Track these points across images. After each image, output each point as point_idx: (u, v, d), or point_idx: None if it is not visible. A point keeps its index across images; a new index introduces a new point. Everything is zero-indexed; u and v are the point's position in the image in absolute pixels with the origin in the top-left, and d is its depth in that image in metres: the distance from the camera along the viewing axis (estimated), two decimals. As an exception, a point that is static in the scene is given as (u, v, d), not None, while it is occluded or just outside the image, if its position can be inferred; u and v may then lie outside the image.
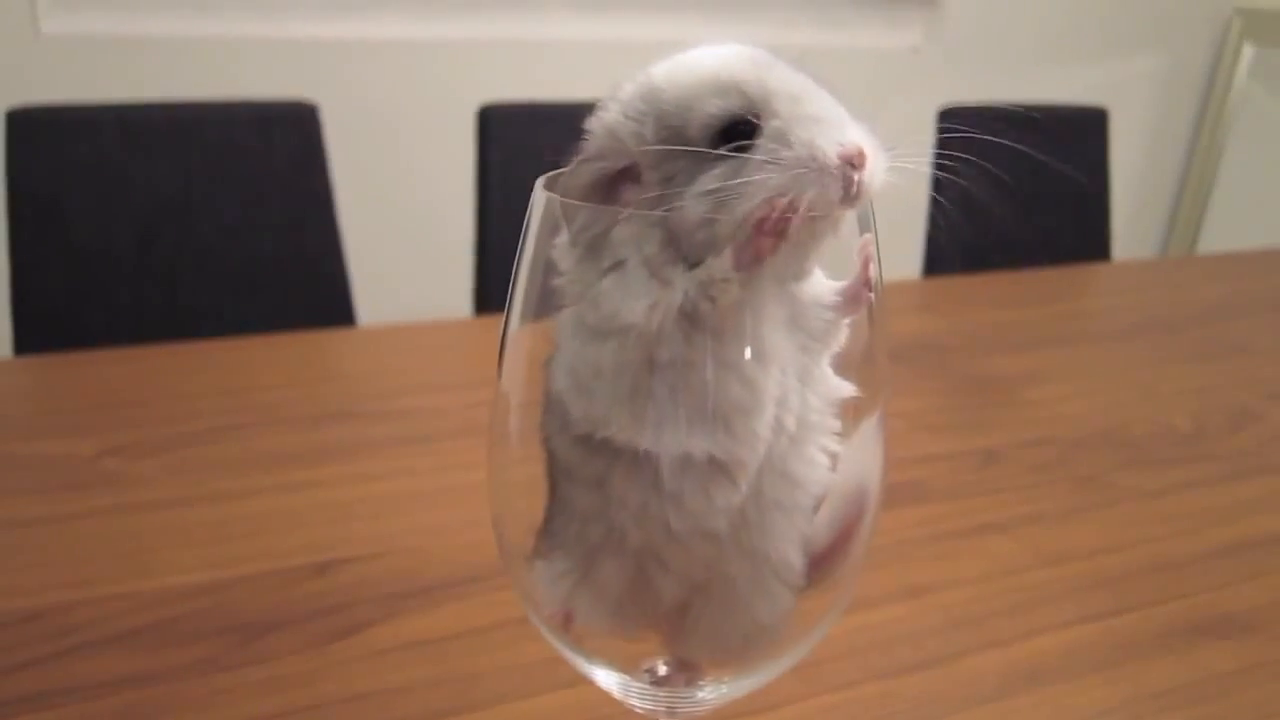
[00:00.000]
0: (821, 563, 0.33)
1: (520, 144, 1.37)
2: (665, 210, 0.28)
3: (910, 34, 2.45)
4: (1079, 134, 1.70)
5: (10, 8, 1.74)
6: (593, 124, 0.29)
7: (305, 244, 1.28)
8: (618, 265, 0.28)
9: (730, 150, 0.28)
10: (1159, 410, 0.90)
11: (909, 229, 1.69)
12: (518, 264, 0.32)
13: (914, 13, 2.44)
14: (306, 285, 1.28)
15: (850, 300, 0.32)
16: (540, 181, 0.31)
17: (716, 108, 0.28)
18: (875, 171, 0.29)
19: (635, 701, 0.34)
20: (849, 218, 0.30)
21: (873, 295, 0.32)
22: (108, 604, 0.57)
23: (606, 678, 0.34)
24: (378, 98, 1.94)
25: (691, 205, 0.28)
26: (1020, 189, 1.63)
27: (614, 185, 0.29)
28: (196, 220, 1.23)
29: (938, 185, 1.56)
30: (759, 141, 0.28)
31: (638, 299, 0.28)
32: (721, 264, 0.28)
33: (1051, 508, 0.73)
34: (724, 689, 0.35)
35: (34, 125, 1.16)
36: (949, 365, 1.00)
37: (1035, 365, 1.01)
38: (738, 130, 0.28)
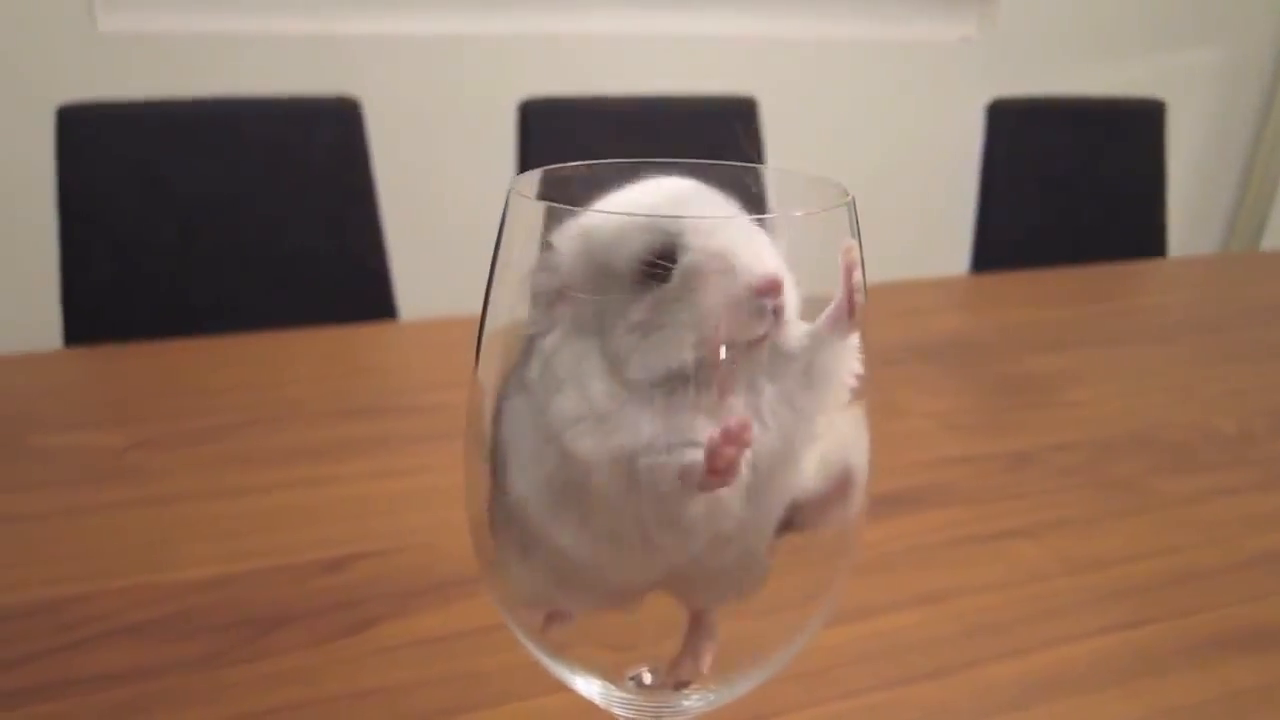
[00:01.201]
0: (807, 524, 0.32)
1: (561, 139, 1.37)
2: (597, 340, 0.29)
3: (962, 24, 2.41)
4: (1135, 127, 1.66)
5: (69, 6, 1.78)
6: (555, 238, 0.30)
7: (347, 239, 1.29)
8: (561, 385, 0.30)
9: (655, 284, 0.29)
10: (1199, 413, 0.88)
11: (957, 225, 1.67)
12: (492, 266, 0.31)
13: (966, 2, 2.40)
14: (348, 280, 1.29)
15: (837, 320, 0.31)
16: (512, 182, 0.31)
17: (637, 243, 0.29)
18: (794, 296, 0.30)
19: (619, 710, 0.34)
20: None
21: (861, 297, 0.31)
22: (122, 596, 0.58)
23: (588, 686, 0.33)
24: (420, 93, 1.95)
25: (621, 338, 0.29)
26: (1072, 184, 1.59)
27: (553, 303, 0.30)
28: (240, 215, 1.24)
29: (987, 181, 1.54)
30: (675, 277, 0.29)
31: (582, 435, 0.29)
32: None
33: (1080, 513, 0.71)
34: (711, 697, 0.34)
35: (83, 121, 1.18)
36: (984, 365, 0.99)
37: (1074, 365, 0.98)
38: (658, 266, 0.29)
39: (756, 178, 0.35)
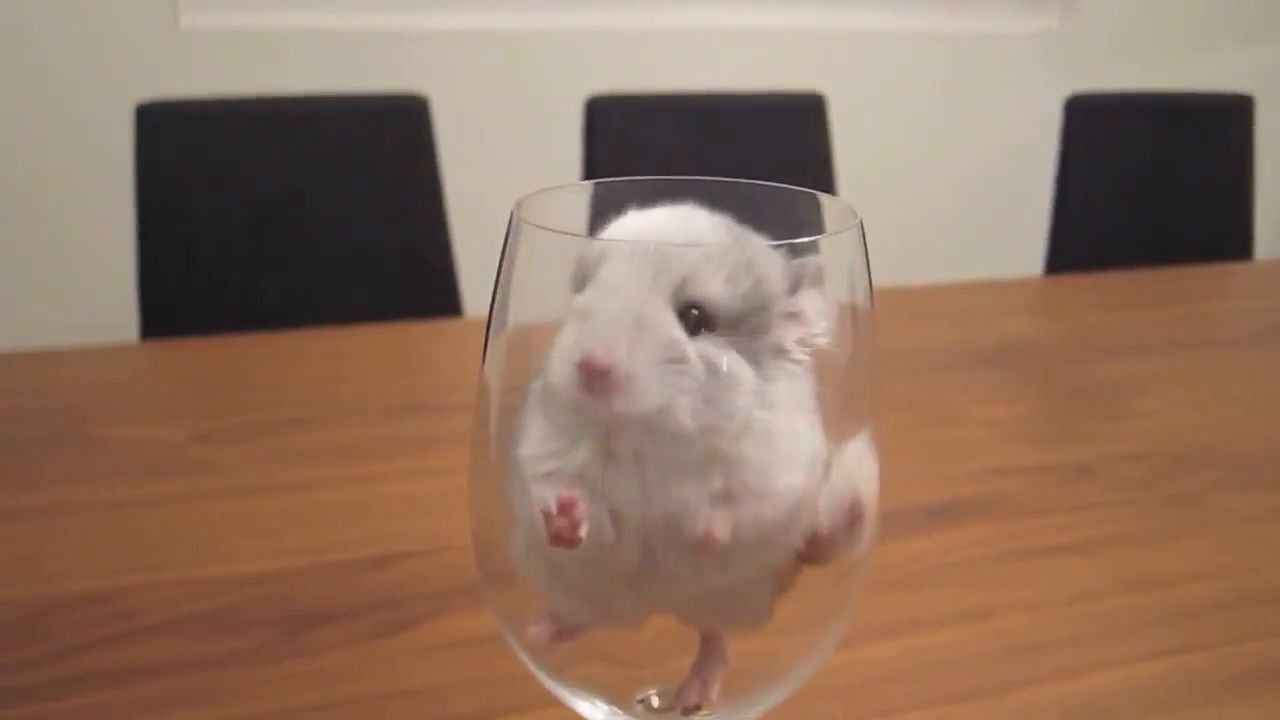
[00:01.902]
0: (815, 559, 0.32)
1: (626, 136, 1.37)
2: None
3: (1043, 16, 2.35)
4: (1222, 123, 1.60)
5: (152, 3, 1.83)
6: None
7: (414, 236, 1.31)
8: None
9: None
10: (1274, 427, 0.84)
11: (1032, 225, 1.63)
12: (499, 269, 0.31)
13: (1049, -7, 2.34)
14: (414, 277, 1.31)
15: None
16: (516, 204, 0.31)
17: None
18: (627, 377, 0.27)
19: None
20: None
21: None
22: (171, 589, 0.59)
23: (593, 710, 0.33)
24: (488, 90, 1.96)
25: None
26: (1153, 183, 1.54)
27: None
28: (309, 212, 1.27)
29: (1063, 179, 1.50)
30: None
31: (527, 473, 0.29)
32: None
33: (1140, 529, 0.69)
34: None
35: (160, 118, 1.21)
36: (1050, 371, 0.96)
37: (1145, 373, 0.95)
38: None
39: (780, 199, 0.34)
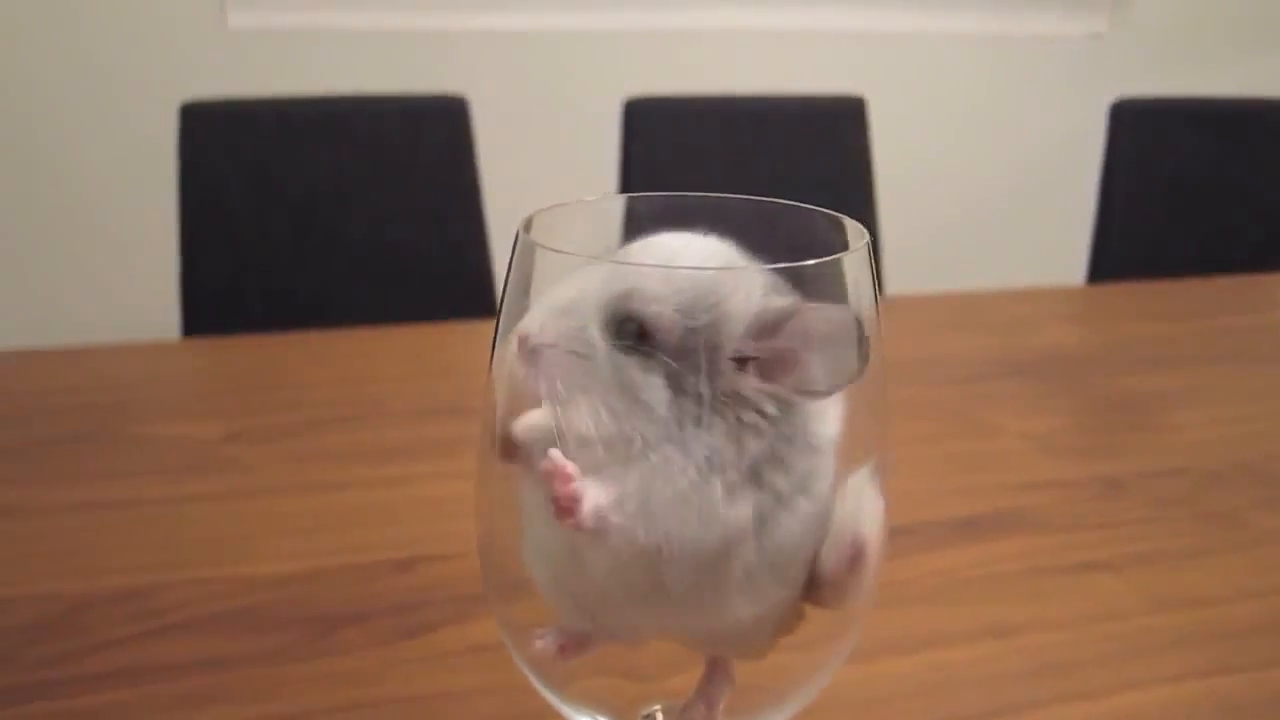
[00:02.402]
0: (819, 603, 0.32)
1: (664, 138, 1.37)
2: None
3: (1093, 19, 2.31)
4: (1271, 130, 1.56)
5: (201, 3, 1.86)
6: None
7: (452, 236, 1.32)
8: None
9: None
10: (1318, 443, 0.82)
11: (1074, 232, 1.61)
12: (505, 279, 0.31)
13: (1099, -4, 2.30)
14: (452, 278, 1.32)
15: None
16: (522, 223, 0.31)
17: None
18: (534, 351, 0.29)
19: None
20: None
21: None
22: (200, 587, 0.60)
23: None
24: (526, 91, 1.97)
25: None
26: (1202, 190, 1.52)
27: None
28: (348, 212, 1.28)
29: (1108, 186, 1.48)
30: None
31: None
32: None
33: (1173, 546, 0.67)
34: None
35: (204, 118, 1.23)
36: (1087, 382, 0.95)
37: (1186, 385, 0.94)
38: None
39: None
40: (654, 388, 0.28)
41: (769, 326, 0.28)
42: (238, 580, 0.61)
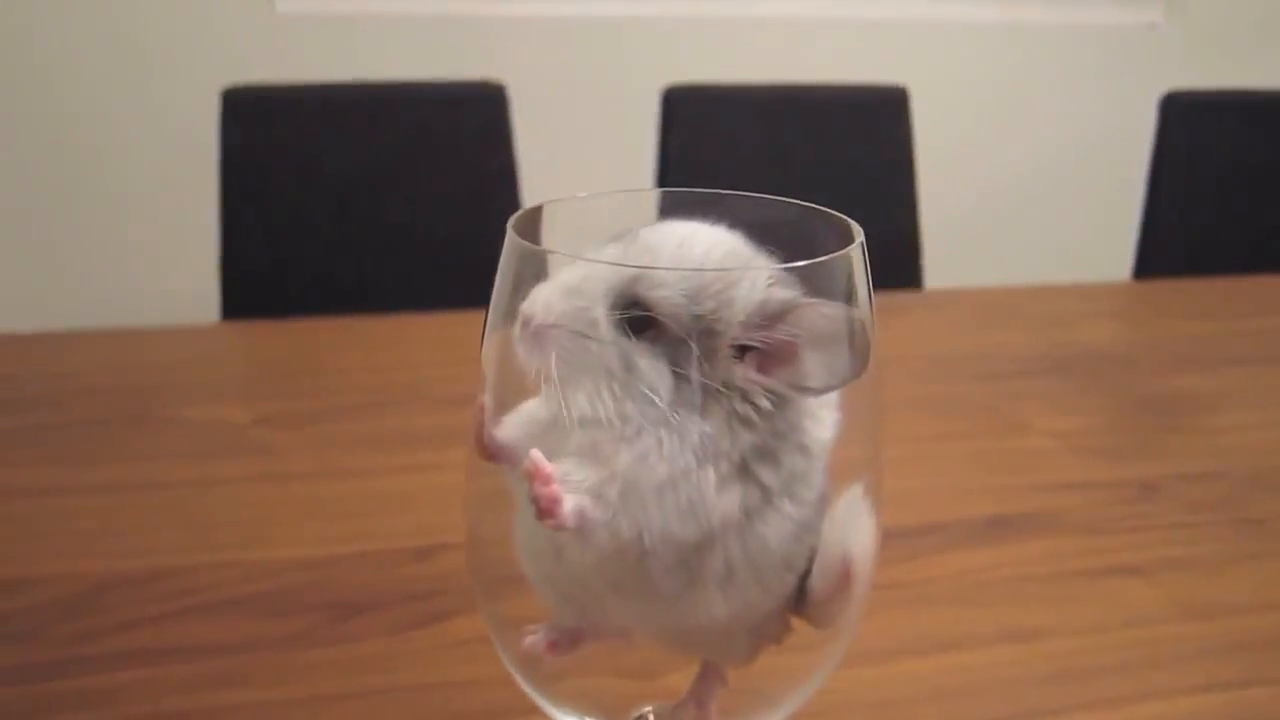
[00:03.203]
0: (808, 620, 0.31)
1: (703, 127, 1.36)
2: None
3: (1149, 9, 2.26)
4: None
5: (249, -12, 1.87)
6: None
7: (489, 223, 1.32)
8: None
9: None
10: (1364, 449, 0.80)
11: (1121, 227, 1.57)
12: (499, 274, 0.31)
13: (1157, -15, 2.25)
14: (489, 264, 1.32)
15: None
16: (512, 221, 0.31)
17: None
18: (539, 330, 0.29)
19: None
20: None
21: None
22: (223, 570, 0.61)
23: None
24: (565, 77, 1.97)
25: None
26: (1254, 185, 1.48)
27: None
28: (387, 197, 1.29)
29: (1156, 180, 1.44)
30: None
31: None
32: None
33: (1206, 552, 0.66)
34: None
35: (245, 103, 1.24)
36: (1126, 381, 0.93)
37: (1229, 386, 0.91)
38: None
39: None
40: (656, 372, 0.28)
41: (770, 317, 0.28)
42: (258, 564, 0.62)
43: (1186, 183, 1.44)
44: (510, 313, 0.30)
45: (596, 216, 0.34)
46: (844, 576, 0.30)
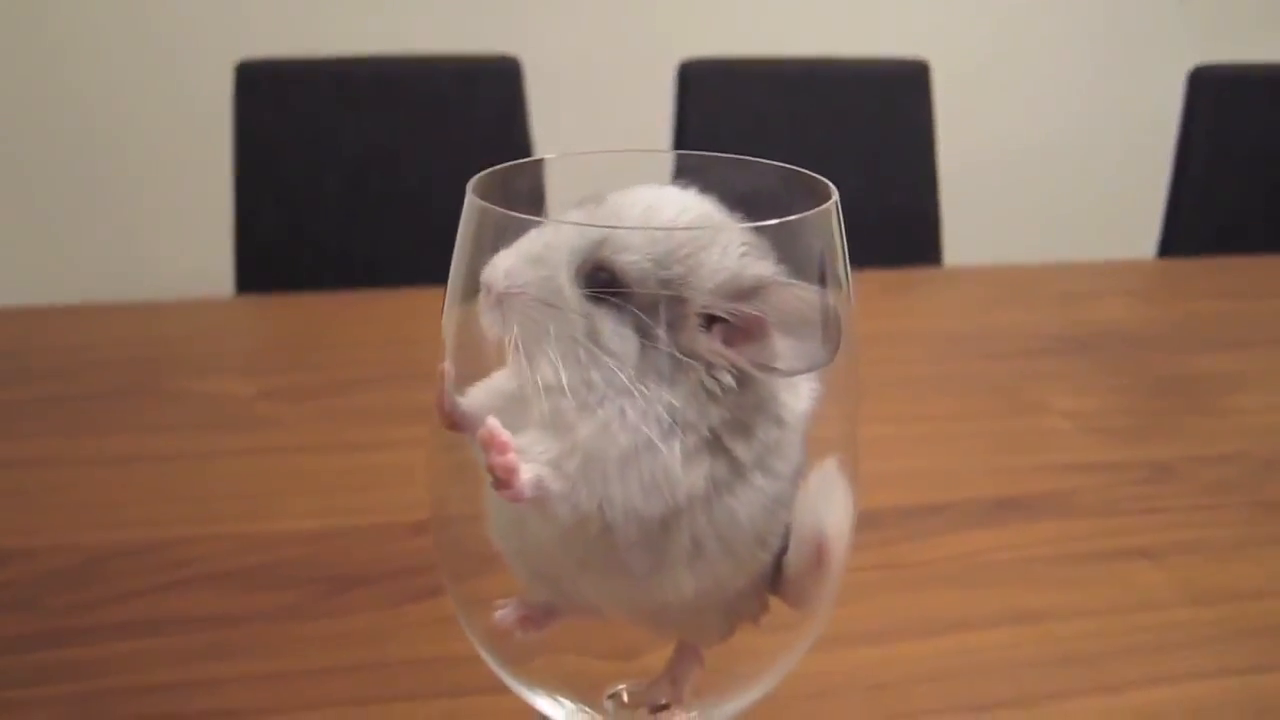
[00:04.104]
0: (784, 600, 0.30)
1: (720, 102, 1.35)
2: None
3: (1183, -19, 2.21)
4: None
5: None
6: None
7: (505, 197, 1.31)
8: None
9: None
10: (1388, 432, 0.78)
11: (1147, 204, 1.54)
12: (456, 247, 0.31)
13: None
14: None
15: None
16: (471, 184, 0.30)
17: None
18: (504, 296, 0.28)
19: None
20: None
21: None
22: (223, 542, 0.61)
23: (553, 708, 0.32)
24: (581, 52, 1.95)
25: None
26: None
27: None
28: (401, 171, 1.28)
29: (1182, 157, 1.41)
30: None
31: None
32: None
33: (1220, 536, 0.64)
34: (694, 718, 0.33)
35: (259, 77, 1.24)
36: (1145, 361, 0.91)
37: (1249, 367, 0.89)
38: None
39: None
40: (623, 338, 0.27)
41: (742, 292, 0.27)
42: (255, 537, 0.62)
43: (1214, 160, 1.41)
44: (471, 278, 0.29)
45: (563, 180, 0.33)
46: (817, 553, 0.29)
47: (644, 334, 0.27)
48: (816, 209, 0.28)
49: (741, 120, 1.34)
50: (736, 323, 0.27)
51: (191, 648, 0.53)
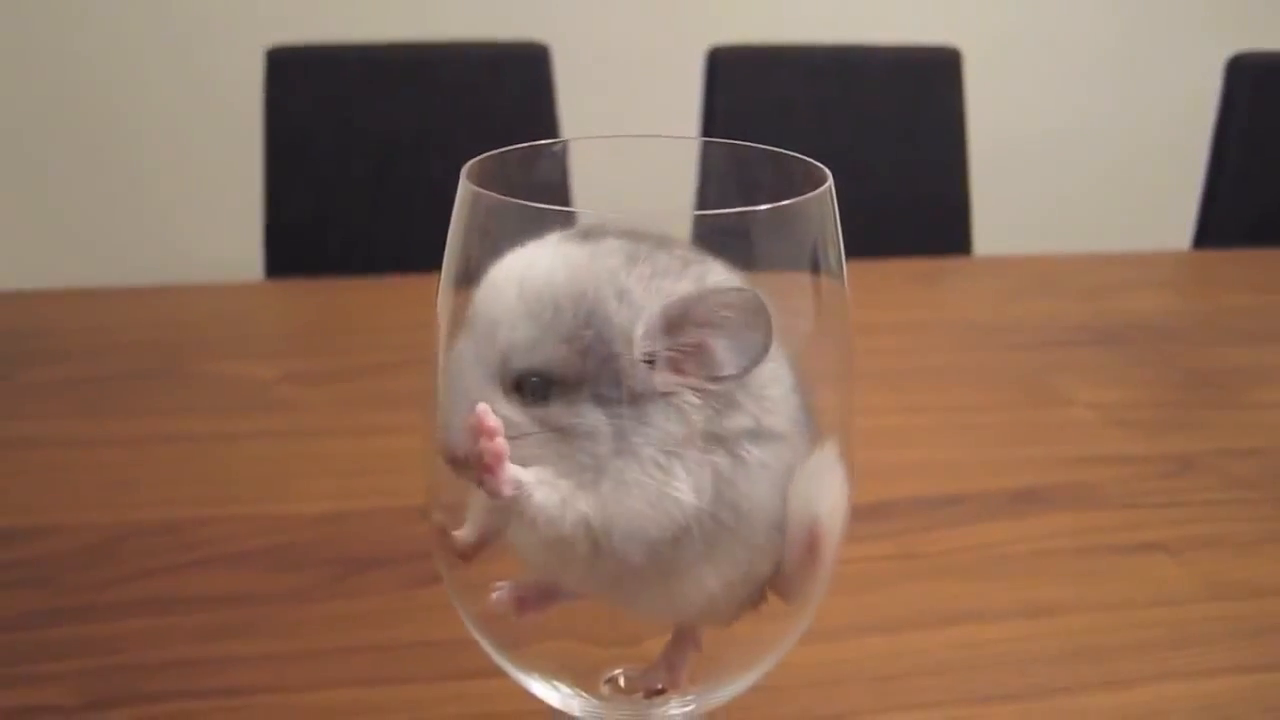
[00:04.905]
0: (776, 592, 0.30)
1: (749, 89, 1.34)
2: None
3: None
4: None
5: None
6: None
7: (531, 183, 1.31)
8: None
9: None
10: None
11: (1183, 196, 1.52)
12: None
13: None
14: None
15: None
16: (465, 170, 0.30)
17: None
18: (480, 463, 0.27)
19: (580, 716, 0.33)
20: None
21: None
22: (239, 523, 0.62)
23: (549, 691, 0.32)
24: (609, 38, 1.94)
25: None
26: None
27: None
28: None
29: (1219, 147, 1.39)
30: None
31: None
32: None
33: (1242, 531, 0.63)
34: (691, 705, 0.33)
35: (289, 63, 1.25)
36: (1173, 354, 0.89)
37: (1273, 361, 0.88)
38: None
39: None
40: (587, 416, 0.27)
41: (667, 325, 0.27)
42: (270, 518, 0.62)
43: (1252, 150, 1.38)
44: (465, 265, 0.29)
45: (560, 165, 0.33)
46: (812, 546, 0.29)
47: (602, 404, 0.27)
48: (809, 194, 0.27)
49: (771, 107, 1.33)
50: (675, 352, 0.27)
51: (204, 626, 0.53)
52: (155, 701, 0.48)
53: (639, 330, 0.27)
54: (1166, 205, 1.70)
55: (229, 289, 1.04)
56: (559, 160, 0.33)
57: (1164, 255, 1.25)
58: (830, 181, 0.28)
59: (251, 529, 0.61)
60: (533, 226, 0.28)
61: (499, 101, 1.30)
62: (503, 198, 0.28)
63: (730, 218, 0.26)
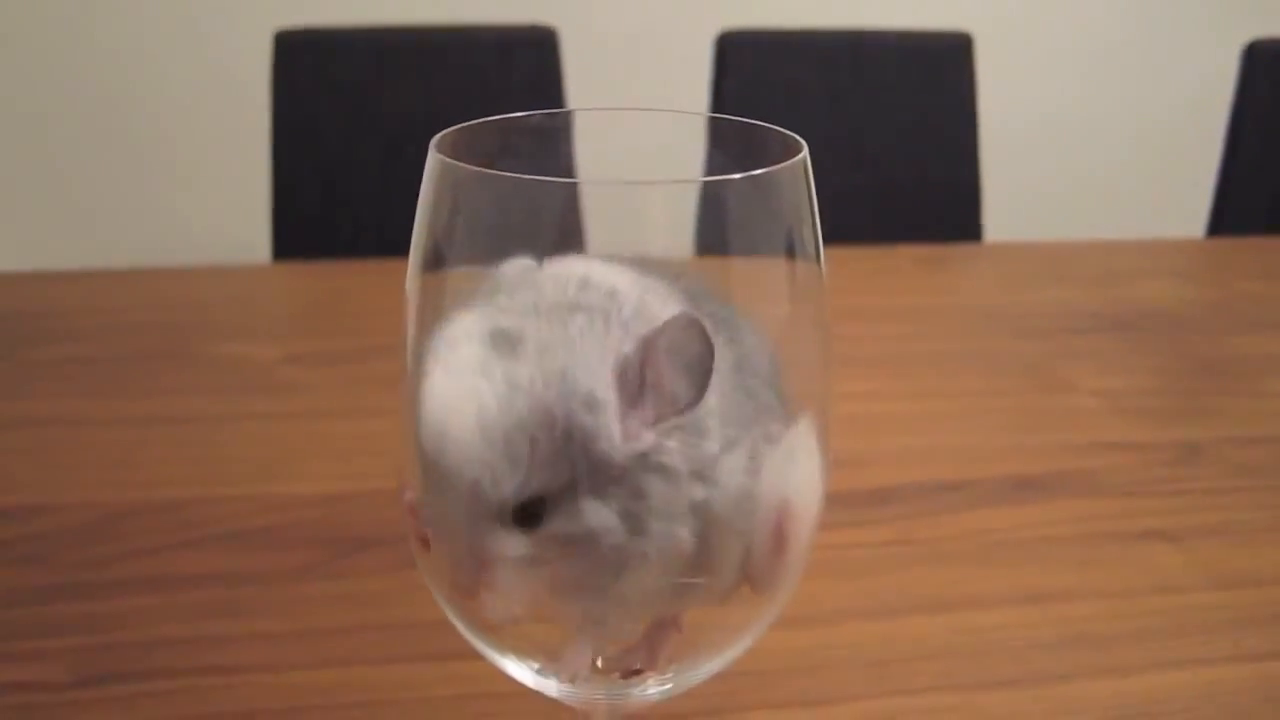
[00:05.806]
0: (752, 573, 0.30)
1: (758, 74, 1.33)
2: None
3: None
4: None
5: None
6: None
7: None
8: None
9: None
10: None
11: (1198, 183, 1.50)
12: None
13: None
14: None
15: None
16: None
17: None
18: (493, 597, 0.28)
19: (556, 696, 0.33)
20: None
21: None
22: (238, 503, 0.62)
23: (521, 670, 0.32)
24: (618, 22, 1.93)
25: None
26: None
27: None
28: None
29: (1235, 135, 1.37)
30: None
31: None
32: None
33: (1245, 519, 0.63)
34: (667, 687, 0.32)
35: (297, 46, 1.25)
36: (1183, 341, 0.89)
37: (1289, 349, 0.87)
38: None
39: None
40: (591, 516, 0.27)
41: (630, 386, 0.26)
42: (270, 498, 0.62)
43: (1268, 138, 1.37)
44: (433, 244, 0.29)
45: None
46: (778, 533, 0.28)
47: (599, 496, 0.26)
48: (782, 164, 0.27)
49: (781, 92, 1.33)
50: (641, 409, 0.26)
51: (201, 605, 0.53)
52: (151, 678, 0.48)
53: (615, 427, 0.26)
54: (1180, 193, 1.69)
55: (235, 271, 1.04)
56: (538, 134, 0.33)
57: (1177, 243, 1.24)
58: (805, 152, 0.27)
59: (249, 509, 0.61)
60: (507, 200, 0.28)
61: (507, 85, 1.29)
62: (477, 168, 0.27)
63: (705, 186, 0.26)
